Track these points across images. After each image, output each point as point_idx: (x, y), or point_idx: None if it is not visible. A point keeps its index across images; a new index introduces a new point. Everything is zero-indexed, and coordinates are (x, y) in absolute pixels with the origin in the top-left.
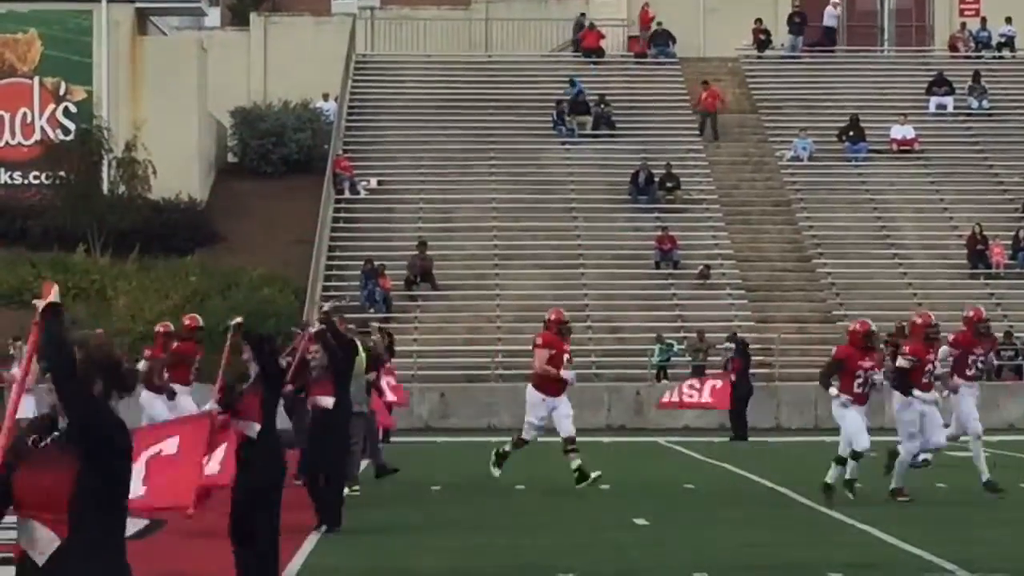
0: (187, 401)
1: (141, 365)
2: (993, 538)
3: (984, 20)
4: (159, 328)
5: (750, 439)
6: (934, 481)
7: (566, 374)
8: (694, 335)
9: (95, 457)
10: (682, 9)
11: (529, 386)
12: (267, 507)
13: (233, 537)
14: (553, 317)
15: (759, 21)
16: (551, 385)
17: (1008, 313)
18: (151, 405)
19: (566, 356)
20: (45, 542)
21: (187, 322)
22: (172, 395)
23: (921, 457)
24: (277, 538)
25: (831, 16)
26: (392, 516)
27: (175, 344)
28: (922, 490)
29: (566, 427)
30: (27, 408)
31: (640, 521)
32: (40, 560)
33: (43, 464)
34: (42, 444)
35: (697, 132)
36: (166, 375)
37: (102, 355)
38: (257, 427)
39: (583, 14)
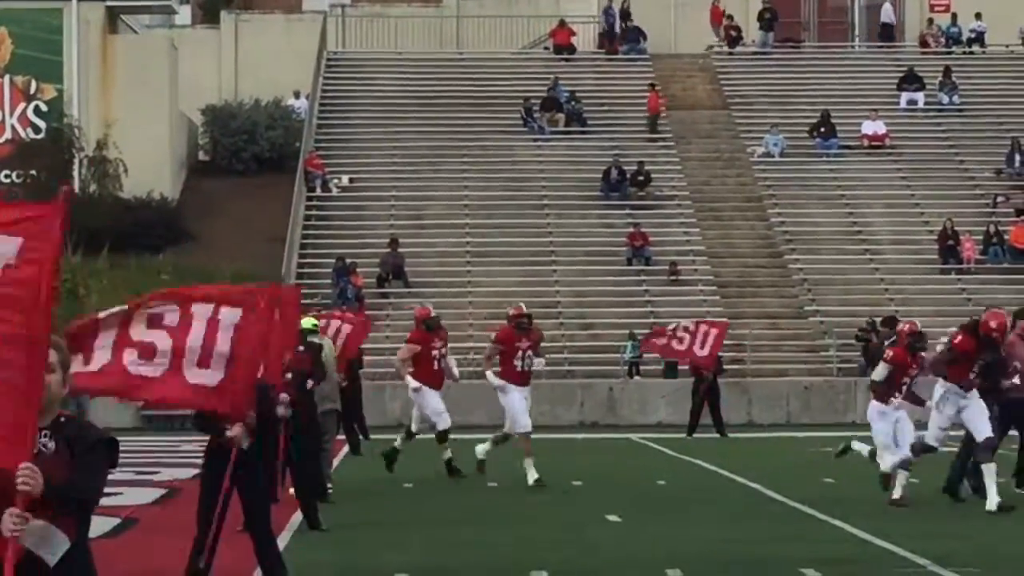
0: None
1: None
2: (966, 533)
3: (955, 16)
4: None
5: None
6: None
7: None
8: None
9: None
10: (653, 5)
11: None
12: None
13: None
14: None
15: (730, 17)
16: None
17: (979, 308)
18: None
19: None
20: (59, 543)
21: None
22: None
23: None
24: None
25: (887, 13)
26: (365, 512)
27: None
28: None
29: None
30: None
31: (612, 517)
32: (51, 561)
33: (47, 469)
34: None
35: (668, 129)
36: None
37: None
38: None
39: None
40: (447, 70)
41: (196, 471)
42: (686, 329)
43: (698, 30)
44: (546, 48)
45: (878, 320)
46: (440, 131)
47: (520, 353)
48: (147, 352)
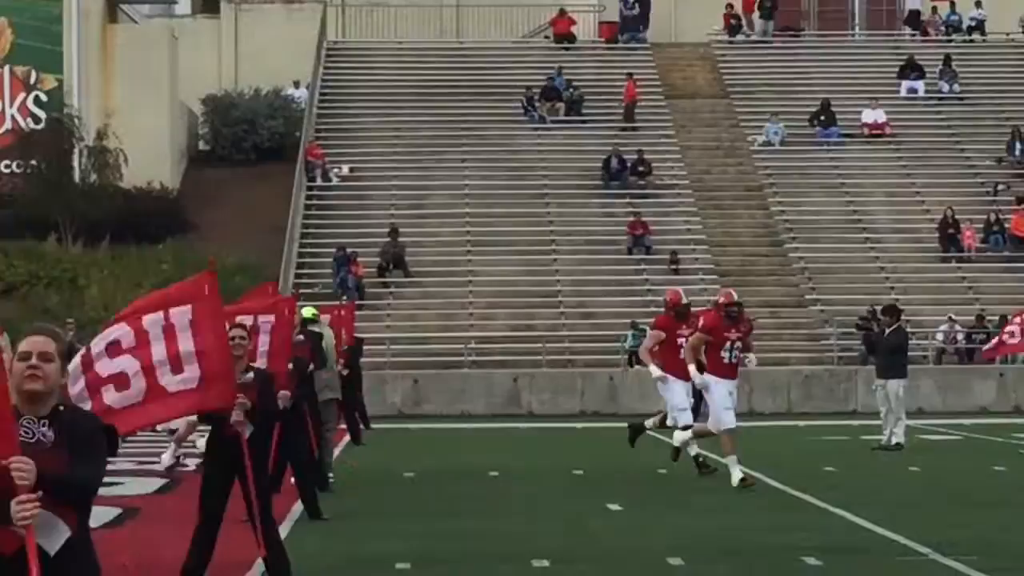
0: None
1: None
2: (966, 521)
3: (954, 4)
4: None
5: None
6: (907, 465)
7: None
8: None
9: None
10: None
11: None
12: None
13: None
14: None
15: (730, 7)
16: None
17: (980, 296)
18: None
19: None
20: (60, 533)
21: None
22: None
23: (895, 440)
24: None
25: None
26: (366, 502)
27: None
28: (895, 474)
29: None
30: None
31: (614, 506)
32: (52, 550)
33: (40, 458)
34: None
35: (669, 118)
36: None
37: None
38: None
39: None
40: (447, 59)
41: (198, 461)
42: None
43: (699, 19)
44: (546, 37)
45: (879, 309)
46: (440, 120)
47: (728, 344)
48: (121, 382)
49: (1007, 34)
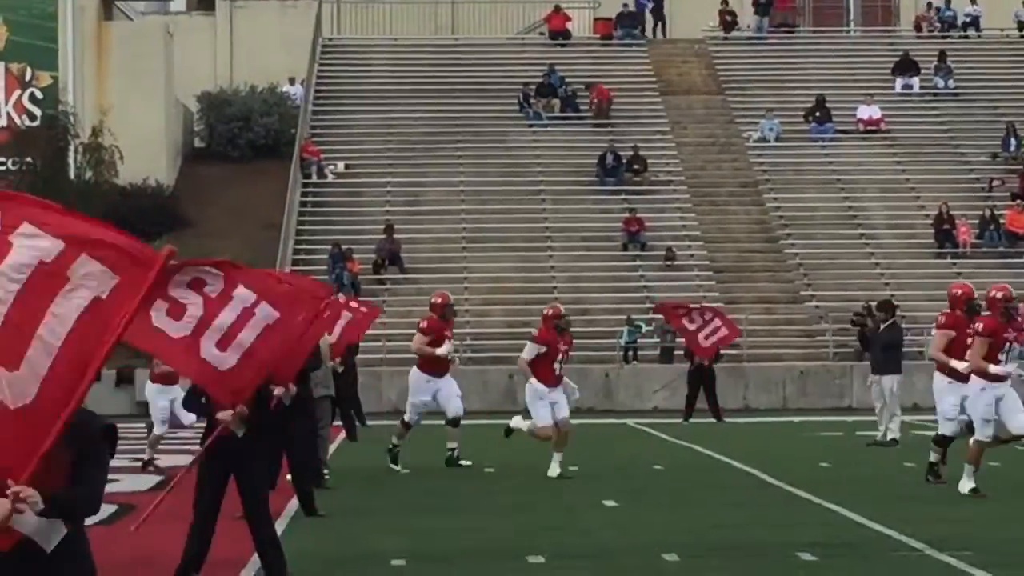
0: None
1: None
2: (961, 517)
3: (949, 0)
4: None
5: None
6: (902, 460)
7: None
8: (662, 317)
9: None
10: None
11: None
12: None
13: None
14: (439, 301)
15: (725, 3)
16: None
17: (976, 292)
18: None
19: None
20: (55, 530)
21: None
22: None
23: (890, 436)
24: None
25: None
26: (361, 499)
27: None
28: (890, 470)
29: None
30: None
31: (609, 503)
32: (48, 547)
33: (50, 463)
34: None
35: (664, 114)
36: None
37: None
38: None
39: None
40: (442, 56)
41: (193, 458)
42: (702, 315)
43: (693, 15)
44: (541, 34)
45: (874, 304)
46: (436, 117)
47: (1007, 345)
48: (176, 311)
49: (1002, 30)
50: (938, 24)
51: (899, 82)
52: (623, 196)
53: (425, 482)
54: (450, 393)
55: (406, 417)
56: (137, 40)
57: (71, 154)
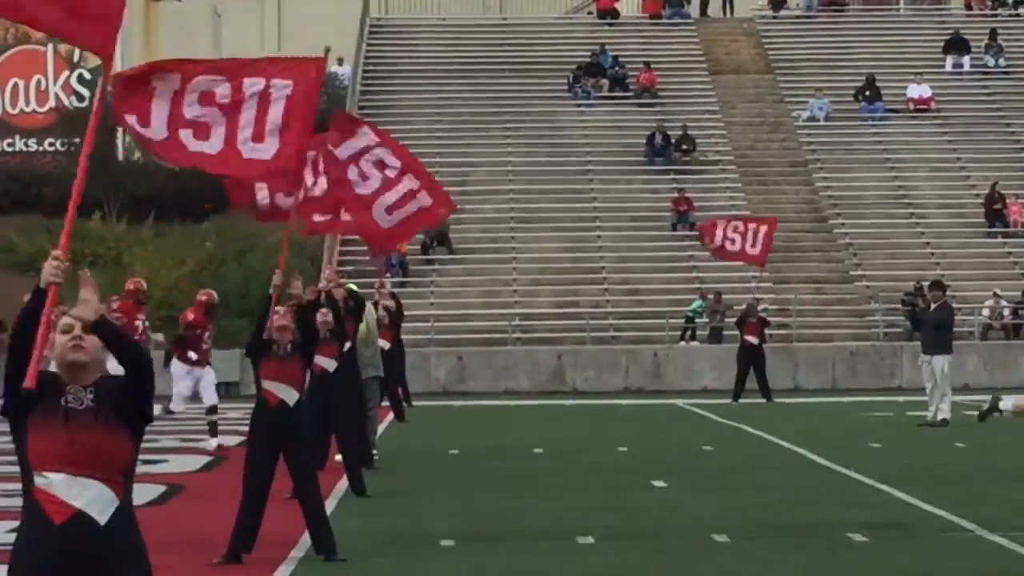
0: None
1: (160, 336)
2: (1012, 498)
3: None
4: (202, 296)
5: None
6: (953, 441)
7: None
8: (711, 297)
9: (140, 430)
10: None
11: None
12: None
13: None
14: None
15: None
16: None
17: None
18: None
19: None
20: (107, 502)
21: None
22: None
23: (940, 417)
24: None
25: None
26: (410, 480)
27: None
28: (941, 450)
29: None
30: None
31: (658, 483)
32: (102, 520)
33: (90, 426)
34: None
35: (713, 94)
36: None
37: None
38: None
39: None
40: (490, 36)
41: (242, 438)
42: (735, 229)
43: None
44: (590, 13)
45: (925, 284)
46: (484, 97)
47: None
48: (202, 131)
49: None
50: (989, 2)
51: (949, 60)
52: (672, 176)
53: (473, 463)
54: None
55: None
56: (185, 20)
57: (120, 135)
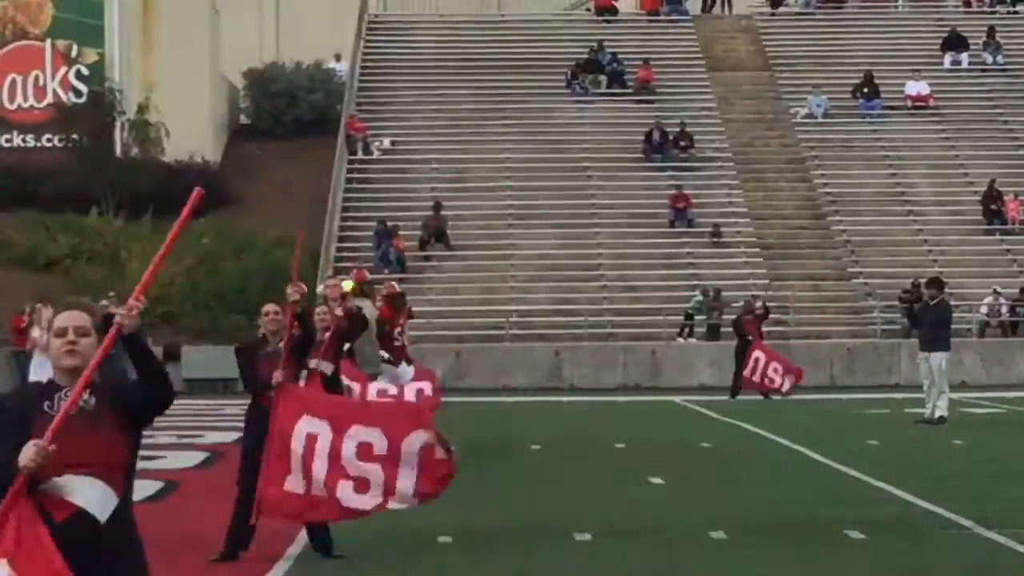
0: None
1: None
2: (1009, 496)
3: None
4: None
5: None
6: (950, 438)
7: None
8: (711, 294)
9: (141, 427)
10: None
11: None
12: None
13: None
14: None
15: None
16: None
17: None
18: None
19: None
20: (108, 500)
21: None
22: None
23: (938, 414)
24: None
25: None
26: None
27: None
28: (938, 448)
29: None
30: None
31: (656, 480)
32: (102, 518)
33: (89, 426)
34: (66, 408)
35: (711, 91)
36: None
37: None
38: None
39: None
40: (488, 32)
41: (239, 435)
42: (775, 370)
43: None
44: (588, 10)
45: (922, 281)
46: (481, 93)
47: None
48: (362, 486)
49: None
50: (987, 0)
51: (948, 58)
52: (670, 173)
53: (471, 460)
54: None
55: None
56: (183, 16)
57: (117, 131)
